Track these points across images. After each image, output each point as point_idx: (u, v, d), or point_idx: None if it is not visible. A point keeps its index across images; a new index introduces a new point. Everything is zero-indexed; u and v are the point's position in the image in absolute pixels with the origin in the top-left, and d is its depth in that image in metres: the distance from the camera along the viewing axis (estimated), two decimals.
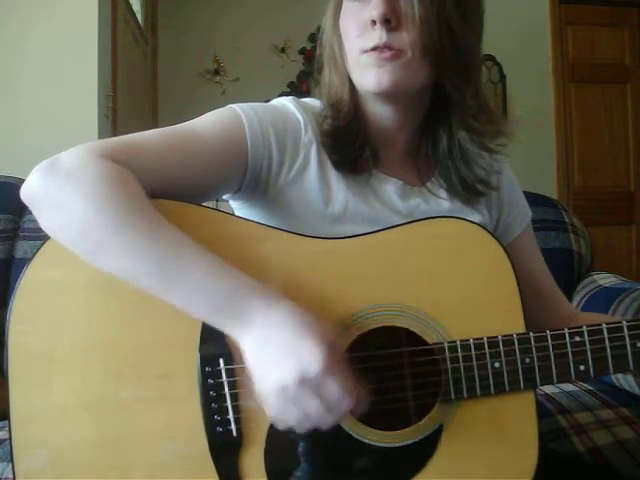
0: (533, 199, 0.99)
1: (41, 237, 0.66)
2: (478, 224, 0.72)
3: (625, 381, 1.21)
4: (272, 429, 0.66)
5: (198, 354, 0.66)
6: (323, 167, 0.78)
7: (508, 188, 0.90)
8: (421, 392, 0.69)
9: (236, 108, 0.76)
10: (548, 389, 1.20)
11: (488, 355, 0.68)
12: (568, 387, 1.22)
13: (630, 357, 0.68)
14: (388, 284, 0.69)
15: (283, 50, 3.67)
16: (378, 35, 0.71)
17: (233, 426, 0.66)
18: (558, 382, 0.69)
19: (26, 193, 0.65)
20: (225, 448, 0.65)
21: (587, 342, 0.69)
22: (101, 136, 2.22)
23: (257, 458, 0.66)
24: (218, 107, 0.77)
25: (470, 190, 0.82)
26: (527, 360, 0.68)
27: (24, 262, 0.68)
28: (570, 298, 1.41)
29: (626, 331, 0.69)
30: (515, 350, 0.68)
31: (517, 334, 0.69)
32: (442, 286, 0.70)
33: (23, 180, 0.64)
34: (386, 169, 0.82)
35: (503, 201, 0.89)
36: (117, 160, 0.65)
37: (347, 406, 0.59)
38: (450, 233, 0.71)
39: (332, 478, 0.69)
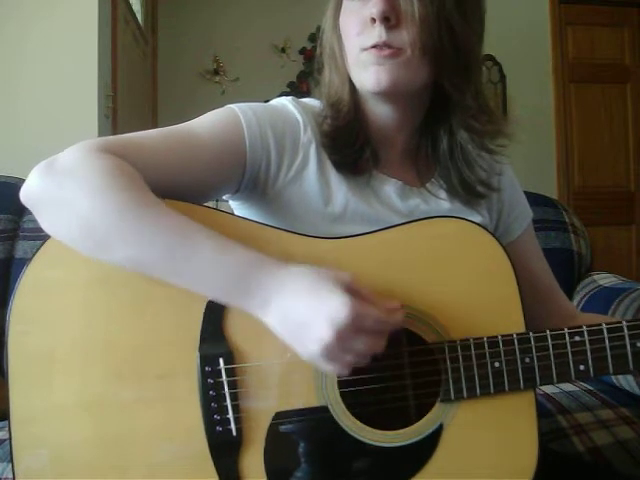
0: (533, 199, 0.99)
1: (41, 237, 0.66)
2: (478, 224, 0.72)
3: (625, 381, 1.21)
4: (272, 429, 0.66)
5: (198, 354, 0.66)
6: (323, 167, 0.78)
7: (509, 189, 0.89)
8: (421, 392, 0.69)
9: (235, 109, 0.76)
10: (548, 389, 1.20)
11: (488, 355, 0.68)
12: (568, 387, 1.22)
13: (630, 357, 0.68)
14: (387, 284, 0.69)
15: (283, 50, 3.67)
16: (377, 33, 0.71)
17: (233, 426, 0.66)
18: (558, 382, 0.69)
19: (26, 194, 0.65)
20: (225, 448, 0.65)
21: (587, 342, 0.69)
22: (101, 136, 2.17)
23: (257, 458, 0.66)
24: (218, 107, 0.77)
25: (471, 191, 0.82)
26: (527, 360, 0.68)
27: (24, 262, 0.68)
28: (570, 298, 1.41)
29: (626, 331, 0.69)
30: (515, 350, 0.68)
31: (517, 334, 0.69)
32: (442, 286, 0.70)
33: (23, 180, 0.64)
34: (386, 169, 0.82)
35: (504, 202, 0.89)
36: (116, 155, 0.65)
37: (392, 324, 0.61)
38: (450, 233, 0.71)
39: (332, 478, 0.69)
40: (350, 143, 0.78)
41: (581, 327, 0.69)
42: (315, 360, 0.60)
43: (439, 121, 0.81)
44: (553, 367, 0.68)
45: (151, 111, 3.52)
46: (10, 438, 0.64)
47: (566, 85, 3.73)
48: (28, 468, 0.64)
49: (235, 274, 0.61)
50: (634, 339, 0.68)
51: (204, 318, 0.66)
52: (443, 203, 0.82)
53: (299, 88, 3.60)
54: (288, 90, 3.58)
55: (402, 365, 0.70)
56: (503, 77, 3.62)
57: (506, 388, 0.68)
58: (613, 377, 1.24)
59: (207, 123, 0.75)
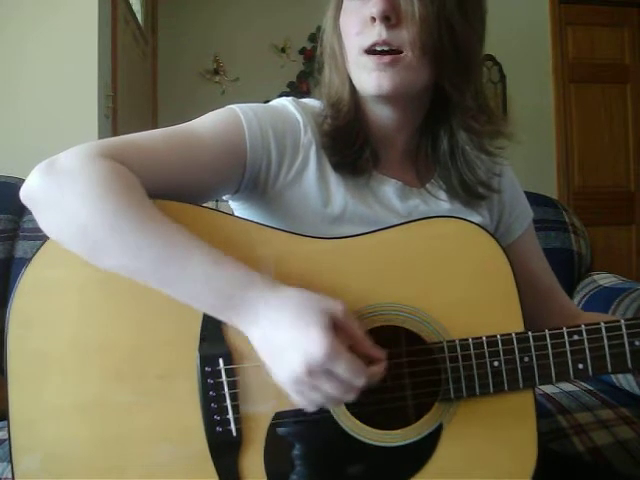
0: (533, 199, 0.99)
1: (41, 237, 0.66)
2: (477, 224, 0.72)
3: (625, 381, 1.21)
4: (272, 429, 0.66)
5: (198, 354, 0.66)
6: (322, 168, 0.78)
7: (509, 190, 0.89)
8: (420, 391, 0.69)
9: (236, 109, 0.76)
10: (548, 389, 1.20)
11: (487, 354, 0.68)
12: (568, 387, 1.22)
13: (628, 355, 0.68)
14: (387, 284, 0.69)
15: (283, 50, 3.67)
16: (377, 32, 0.71)
17: (233, 426, 0.66)
18: (557, 381, 0.70)
19: (25, 193, 0.65)
20: (225, 448, 0.65)
21: (585, 341, 0.69)
22: (101, 136, 2.22)
23: (257, 458, 0.66)
24: (218, 107, 0.77)
25: (470, 192, 0.82)
26: (526, 359, 0.68)
27: (24, 262, 0.68)
28: (570, 298, 1.41)
29: (624, 329, 0.69)
30: (514, 349, 0.68)
31: (516, 333, 0.69)
32: (441, 285, 0.70)
33: (23, 180, 0.64)
34: (385, 170, 0.82)
35: (504, 203, 0.89)
36: (117, 159, 0.65)
37: (361, 383, 0.59)
38: (449, 233, 0.71)
39: (332, 478, 0.69)
40: (350, 143, 0.78)
41: (579, 326, 0.69)
42: (285, 387, 0.60)
43: (439, 122, 0.81)
44: (552, 366, 0.68)
45: (151, 111, 3.52)
46: (9, 438, 0.64)
47: (566, 85, 3.73)
48: (27, 469, 0.64)
49: (224, 291, 0.61)
50: (632, 338, 0.68)
51: (204, 318, 0.66)
52: (443, 204, 0.82)
53: (299, 88, 3.60)
54: (288, 90, 3.58)
55: (401, 365, 0.70)
56: (503, 77, 3.62)
57: (505, 388, 0.68)
58: (613, 377, 1.24)
59: (208, 123, 0.75)
